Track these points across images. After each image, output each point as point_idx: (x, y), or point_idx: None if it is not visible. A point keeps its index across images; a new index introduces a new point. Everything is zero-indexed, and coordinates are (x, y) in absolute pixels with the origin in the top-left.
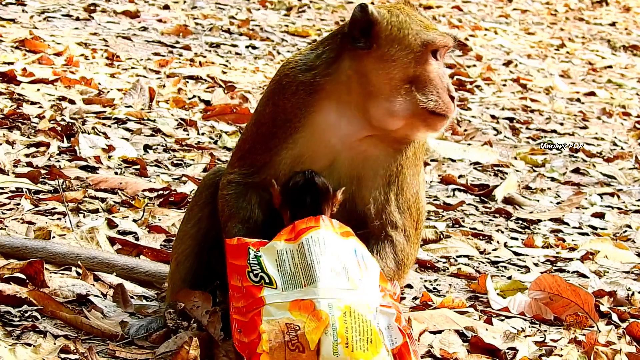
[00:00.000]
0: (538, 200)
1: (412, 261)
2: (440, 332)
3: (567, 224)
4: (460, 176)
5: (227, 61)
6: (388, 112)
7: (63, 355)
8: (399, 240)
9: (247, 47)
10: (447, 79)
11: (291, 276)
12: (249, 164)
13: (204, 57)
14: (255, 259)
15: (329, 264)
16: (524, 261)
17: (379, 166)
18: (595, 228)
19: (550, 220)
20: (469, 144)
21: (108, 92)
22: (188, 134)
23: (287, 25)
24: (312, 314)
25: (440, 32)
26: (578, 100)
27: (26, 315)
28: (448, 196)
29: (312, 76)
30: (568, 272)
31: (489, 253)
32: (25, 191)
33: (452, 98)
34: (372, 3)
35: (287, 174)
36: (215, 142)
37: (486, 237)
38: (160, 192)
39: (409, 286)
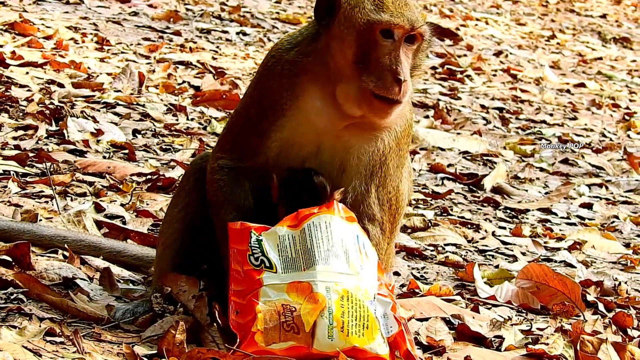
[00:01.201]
0: (526, 190)
1: (388, 255)
2: (427, 319)
3: (555, 214)
4: (449, 165)
5: (217, 47)
6: (344, 96)
7: (48, 338)
8: (374, 235)
9: (237, 33)
10: (400, 61)
11: (292, 261)
12: (240, 148)
13: (195, 42)
14: (256, 243)
15: (330, 247)
16: (512, 250)
17: (362, 156)
18: (583, 218)
19: (539, 210)
20: (459, 133)
21: (97, 76)
22: (177, 119)
23: (278, 12)
24: (309, 296)
25: (396, 13)
26: (568, 91)
27: (12, 297)
28: (437, 185)
29: (295, 54)
30: (555, 261)
31: (477, 242)
32: (13, 174)
33: (398, 81)
34: None
35: (276, 158)
36: (205, 128)
37: (474, 226)
38: (149, 176)
39: (397, 273)
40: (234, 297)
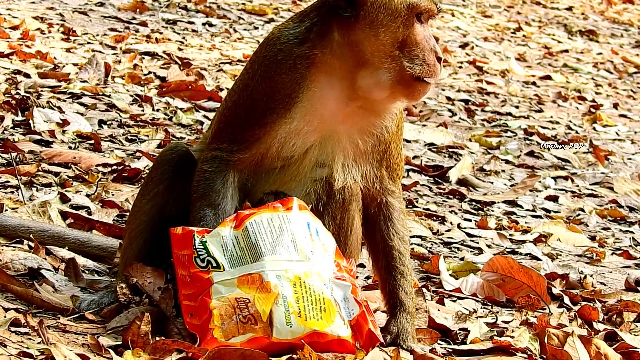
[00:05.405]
0: (492, 182)
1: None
2: None
3: (521, 206)
4: (414, 157)
5: (183, 38)
6: (375, 81)
7: (13, 329)
8: (397, 205)
9: (203, 24)
10: (433, 41)
11: (238, 258)
12: (241, 139)
13: (161, 33)
14: (201, 244)
15: (276, 239)
16: (477, 242)
17: (368, 142)
18: (548, 211)
19: (504, 202)
20: (424, 125)
21: (64, 66)
22: (143, 110)
23: (244, 4)
24: (260, 286)
25: None
26: (534, 83)
27: None
28: (402, 177)
29: (307, 49)
30: (521, 254)
31: (442, 234)
32: None
33: (438, 59)
34: None
35: (279, 148)
36: (170, 119)
37: (440, 218)
38: (114, 167)
39: (362, 265)
40: (185, 300)
